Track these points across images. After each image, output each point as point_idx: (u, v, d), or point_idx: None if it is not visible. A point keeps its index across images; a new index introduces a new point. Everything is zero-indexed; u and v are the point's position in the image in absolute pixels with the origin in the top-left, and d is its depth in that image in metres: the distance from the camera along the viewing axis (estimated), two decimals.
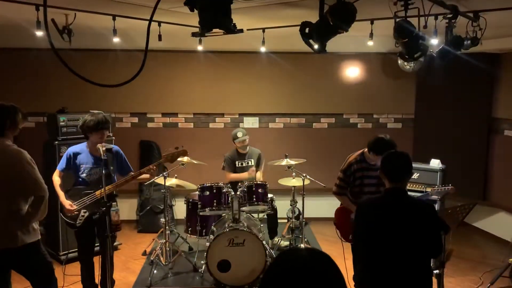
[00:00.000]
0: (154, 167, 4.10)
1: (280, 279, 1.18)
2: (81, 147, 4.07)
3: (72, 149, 4.07)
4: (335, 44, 3.29)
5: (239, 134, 5.55)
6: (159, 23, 4.50)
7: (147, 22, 1.98)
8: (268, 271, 1.23)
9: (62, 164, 4.04)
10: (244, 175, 5.49)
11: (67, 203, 3.87)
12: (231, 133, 5.69)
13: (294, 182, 5.32)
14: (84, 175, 3.99)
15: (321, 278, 1.17)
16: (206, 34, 2.41)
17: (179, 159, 4.44)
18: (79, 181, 4.01)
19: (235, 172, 5.62)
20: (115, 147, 4.18)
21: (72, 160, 4.01)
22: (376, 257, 2.77)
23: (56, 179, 3.99)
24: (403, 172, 2.79)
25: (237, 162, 5.63)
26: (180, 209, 6.33)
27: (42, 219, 3.29)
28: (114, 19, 4.28)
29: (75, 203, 3.88)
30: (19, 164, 3.06)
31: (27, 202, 3.13)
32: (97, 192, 3.88)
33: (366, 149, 3.97)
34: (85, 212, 3.90)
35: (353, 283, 3.13)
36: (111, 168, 3.98)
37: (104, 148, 3.79)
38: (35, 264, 3.23)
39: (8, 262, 3.16)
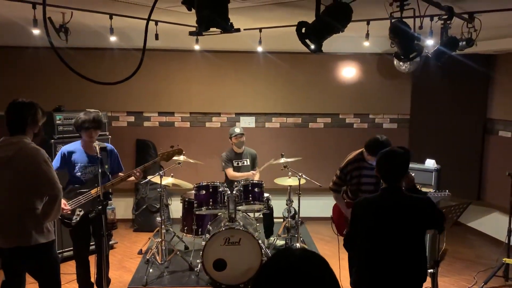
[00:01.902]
0: (139, 170, 4.13)
1: (273, 278, 1.18)
2: (75, 146, 4.07)
3: (66, 147, 4.07)
4: (331, 44, 3.31)
5: (237, 130, 5.56)
6: (156, 22, 4.50)
7: (144, 21, 1.99)
8: (261, 271, 1.23)
9: (56, 162, 4.01)
10: (247, 174, 5.48)
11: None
12: (228, 131, 5.68)
13: (290, 181, 5.34)
14: (79, 173, 3.99)
15: (314, 279, 1.16)
16: (203, 33, 2.42)
17: (174, 157, 4.45)
18: (74, 180, 4.00)
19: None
20: (109, 146, 4.16)
21: (67, 158, 4.00)
22: (373, 256, 2.78)
23: None
24: (398, 173, 2.79)
25: (233, 162, 5.64)
26: (176, 208, 6.33)
27: (55, 219, 3.24)
28: (111, 17, 4.28)
29: (70, 202, 3.86)
30: (36, 163, 3.01)
31: (42, 201, 3.08)
32: (93, 191, 3.88)
33: None
34: (80, 211, 3.88)
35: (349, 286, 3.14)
36: (106, 166, 3.97)
37: (99, 147, 3.79)
38: (46, 265, 3.16)
39: (21, 261, 3.09)
